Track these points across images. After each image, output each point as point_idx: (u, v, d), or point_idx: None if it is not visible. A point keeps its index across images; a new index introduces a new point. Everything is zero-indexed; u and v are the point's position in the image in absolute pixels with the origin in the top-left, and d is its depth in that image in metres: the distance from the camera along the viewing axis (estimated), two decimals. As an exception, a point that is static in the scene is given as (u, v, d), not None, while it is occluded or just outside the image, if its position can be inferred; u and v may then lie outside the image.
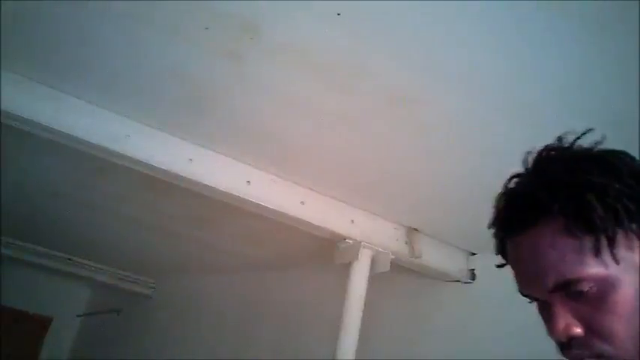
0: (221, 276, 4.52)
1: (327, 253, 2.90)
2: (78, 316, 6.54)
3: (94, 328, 6.33)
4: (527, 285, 0.73)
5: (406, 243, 2.80)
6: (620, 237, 0.68)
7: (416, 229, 2.82)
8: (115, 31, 1.82)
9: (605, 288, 0.68)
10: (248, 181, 2.53)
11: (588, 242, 0.68)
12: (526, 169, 0.76)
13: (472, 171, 2.19)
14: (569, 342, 0.69)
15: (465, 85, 1.72)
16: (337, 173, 2.52)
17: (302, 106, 2.03)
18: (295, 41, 1.68)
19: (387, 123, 2.02)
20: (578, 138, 0.74)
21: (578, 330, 0.69)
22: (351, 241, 2.75)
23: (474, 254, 2.91)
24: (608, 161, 0.71)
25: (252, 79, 1.92)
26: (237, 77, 1.93)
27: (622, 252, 0.68)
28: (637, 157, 0.74)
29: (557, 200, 0.69)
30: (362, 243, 2.71)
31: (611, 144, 0.76)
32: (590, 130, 0.75)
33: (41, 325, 6.41)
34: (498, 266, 0.81)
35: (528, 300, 0.75)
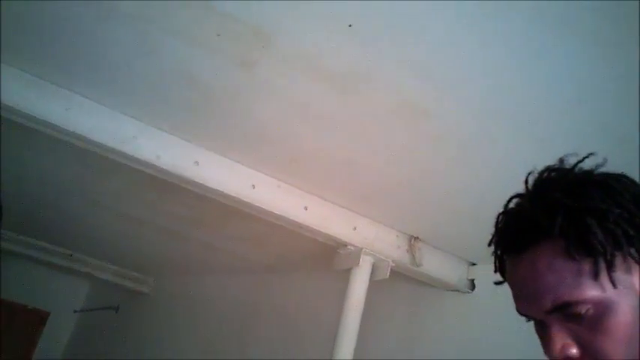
0: (221, 277, 4.53)
1: (328, 258, 2.92)
2: (75, 311, 6.56)
3: (91, 324, 6.35)
4: (525, 305, 0.75)
5: (407, 251, 2.82)
6: (619, 261, 0.70)
7: (418, 238, 2.84)
8: (126, 32, 1.83)
9: (603, 311, 0.69)
10: (253, 185, 2.55)
11: (587, 265, 0.70)
12: (527, 189, 0.78)
13: (477, 183, 2.21)
14: None
15: (474, 98, 1.74)
16: (342, 180, 2.55)
17: (310, 112, 2.05)
18: (306, 50, 1.70)
19: (395, 132, 2.04)
20: (580, 161, 0.76)
21: (574, 351, 0.70)
22: (352, 248, 2.77)
23: (474, 264, 2.92)
24: (609, 185, 0.73)
25: (262, 85, 1.94)
26: (247, 83, 1.95)
27: (620, 276, 0.70)
28: None
29: (558, 223, 0.71)
30: (363, 249, 2.73)
31: (619, 159, 0.78)
32: (591, 154, 0.76)
33: (38, 319, 6.44)
34: (497, 283, 0.83)
35: (526, 319, 0.77)
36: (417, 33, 1.53)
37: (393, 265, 2.77)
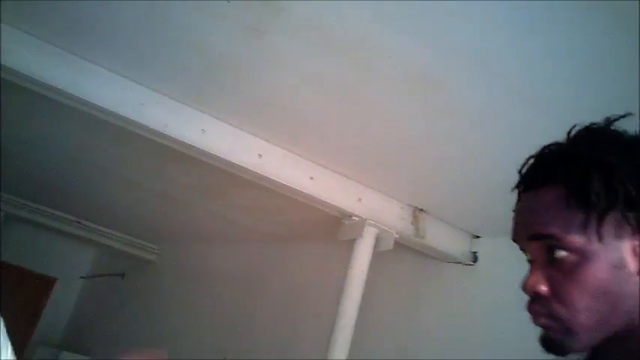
0: (226, 246, 4.57)
1: (333, 228, 2.94)
2: (82, 277, 6.65)
3: (97, 290, 6.44)
4: (516, 229, 0.79)
5: (411, 223, 2.84)
6: (612, 219, 0.71)
7: (422, 210, 2.85)
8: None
9: (581, 260, 0.71)
10: (260, 155, 2.56)
11: (580, 215, 0.72)
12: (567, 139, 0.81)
13: (483, 156, 2.21)
14: (534, 297, 0.75)
15: (484, 70, 1.73)
16: (348, 151, 2.55)
17: (319, 82, 2.05)
18: (317, 19, 1.69)
19: (403, 103, 2.03)
20: (616, 119, 0.77)
21: (543, 288, 0.74)
22: (357, 218, 2.78)
23: (478, 237, 2.94)
24: (631, 146, 0.74)
25: (272, 54, 1.94)
26: (256, 52, 1.94)
27: (609, 234, 0.71)
28: None
29: (565, 170, 0.73)
30: (367, 221, 2.74)
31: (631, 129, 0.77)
32: (629, 113, 0.77)
33: (46, 284, 6.54)
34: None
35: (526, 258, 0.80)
36: (430, 5, 1.51)
37: (397, 236, 2.79)
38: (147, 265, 5.63)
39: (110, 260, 6.27)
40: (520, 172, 0.81)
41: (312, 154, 2.64)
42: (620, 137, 0.76)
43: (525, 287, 0.76)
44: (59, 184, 4.28)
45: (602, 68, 1.58)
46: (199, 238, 4.82)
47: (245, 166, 2.54)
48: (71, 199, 4.70)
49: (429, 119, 2.10)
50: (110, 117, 2.38)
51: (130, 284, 5.83)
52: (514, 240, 0.80)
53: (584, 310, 0.71)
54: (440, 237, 2.88)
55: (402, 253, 2.98)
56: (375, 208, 2.79)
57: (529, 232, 0.76)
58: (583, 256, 0.71)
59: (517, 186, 0.81)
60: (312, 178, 2.66)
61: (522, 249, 0.80)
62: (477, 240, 2.94)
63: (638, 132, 0.77)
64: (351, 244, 2.80)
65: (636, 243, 0.72)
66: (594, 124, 0.78)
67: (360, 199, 2.76)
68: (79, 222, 5.18)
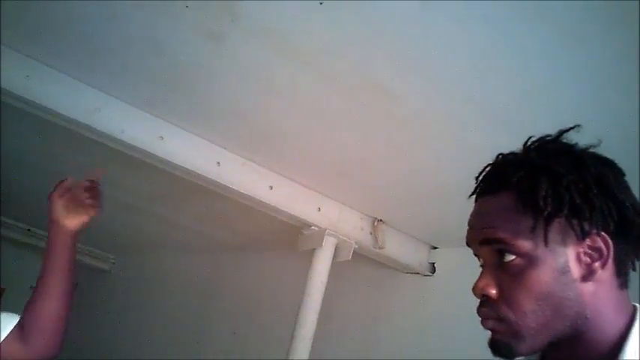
0: (183, 255, 4.50)
1: (292, 238, 2.92)
2: (32, 287, 6.41)
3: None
4: (469, 234, 0.82)
5: (370, 233, 2.85)
6: (558, 225, 0.74)
7: (381, 220, 2.86)
8: (92, -1, 1.77)
9: (527, 264, 0.74)
10: (218, 162, 2.53)
11: (528, 219, 0.75)
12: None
13: (441, 167, 2.23)
14: (483, 300, 0.78)
15: (442, 82, 1.75)
16: (308, 160, 2.54)
17: (278, 90, 2.03)
18: (276, 26, 1.68)
19: (363, 114, 2.04)
20: (565, 131, 0.81)
21: (492, 291, 0.76)
22: (316, 228, 2.77)
23: (436, 248, 2.97)
24: (580, 158, 0.77)
25: (231, 60, 1.92)
26: (215, 57, 1.92)
27: (555, 239, 0.75)
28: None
29: (516, 176, 0.76)
30: (327, 230, 2.74)
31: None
32: (577, 125, 0.81)
33: (-7, 294, 6.29)
34: None
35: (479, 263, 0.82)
36: (388, 15, 1.52)
37: (356, 246, 2.79)
38: (101, 275, 5.48)
39: (62, 270, 6.07)
40: (477, 178, 0.84)
41: (271, 162, 2.62)
42: (570, 149, 0.80)
43: (475, 290, 0.78)
44: (7, 190, 4.12)
45: (564, 82, 1.60)
46: (156, 248, 4.72)
47: (203, 173, 2.50)
48: (22, 207, 4.54)
49: (389, 130, 2.11)
50: (63, 121, 2.31)
51: (84, 295, 5.65)
52: (468, 244, 0.83)
53: (530, 312, 0.74)
54: (399, 247, 2.90)
55: (361, 263, 2.99)
56: (335, 218, 2.78)
57: (480, 237, 0.79)
58: (530, 261, 0.74)
59: (474, 192, 0.84)
60: (271, 187, 2.64)
61: (476, 254, 0.82)
62: (434, 251, 2.97)
63: (588, 145, 0.80)
64: (310, 254, 2.78)
65: (580, 250, 0.74)
66: (548, 135, 0.83)
67: (319, 209, 2.76)
68: (29, 229, 5.01)
